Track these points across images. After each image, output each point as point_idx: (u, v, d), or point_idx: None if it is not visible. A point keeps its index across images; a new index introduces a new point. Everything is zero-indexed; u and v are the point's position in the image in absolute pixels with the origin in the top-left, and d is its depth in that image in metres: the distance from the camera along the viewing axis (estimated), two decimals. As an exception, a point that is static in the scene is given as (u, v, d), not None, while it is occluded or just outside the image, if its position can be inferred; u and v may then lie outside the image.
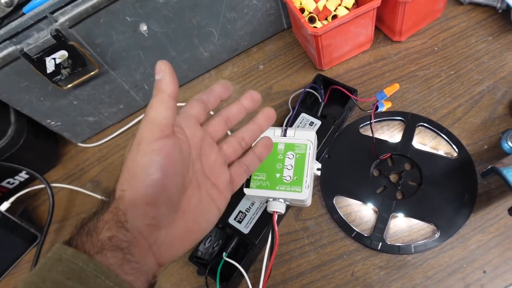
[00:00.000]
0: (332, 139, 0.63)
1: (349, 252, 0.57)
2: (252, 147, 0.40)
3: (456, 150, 0.59)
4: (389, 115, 0.63)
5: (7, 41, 0.54)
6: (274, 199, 0.52)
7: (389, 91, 0.55)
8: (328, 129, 0.61)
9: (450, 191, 0.56)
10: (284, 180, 0.51)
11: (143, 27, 0.61)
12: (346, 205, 0.60)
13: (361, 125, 0.64)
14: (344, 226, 0.58)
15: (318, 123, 0.62)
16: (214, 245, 0.59)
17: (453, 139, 0.60)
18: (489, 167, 0.50)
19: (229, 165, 0.38)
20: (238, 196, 0.59)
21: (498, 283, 0.51)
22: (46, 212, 0.65)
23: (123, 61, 0.65)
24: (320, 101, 0.65)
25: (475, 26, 0.68)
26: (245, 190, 0.52)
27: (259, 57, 0.76)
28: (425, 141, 0.61)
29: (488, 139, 0.59)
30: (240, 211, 0.58)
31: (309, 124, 0.62)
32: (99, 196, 0.70)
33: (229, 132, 0.40)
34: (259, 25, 0.72)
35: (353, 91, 0.63)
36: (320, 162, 0.54)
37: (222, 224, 0.58)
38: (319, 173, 0.53)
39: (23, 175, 0.71)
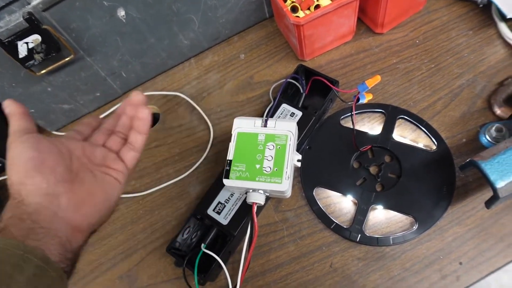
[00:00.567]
0: (313, 130, 0.63)
1: (328, 244, 0.57)
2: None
3: (435, 143, 0.60)
4: (370, 107, 0.63)
5: (-24, 23, 0.51)
6: (254, 190, 0.51)
7: (371, 83, 0.55)
8: (309, 120, 0.61)
9: (429, 184, 0.57)
10: (264, 171, 0.51)
11: (121, 12, 0.59)
12: (325, 196, 0.60)
13: (342, 117, 0.64)
14: (324, 217, 0.58)
15: (299, 114, 0.62)
16: (193, 236, 0.58)
17: (432, 132, 0.60)
18: (467, 160, 0.50)
19: (119, 151, 0.45)
20: (217, 187, 0.58)
21: (474, 274, 0.52)
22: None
23: (100, 47, 0.63)
24: (302, 91, 0.64)
25: (456, 20, 0.69)
26: (225, 181, 0.51)
27: (240, 46, 0.75)
28: (405, 134, 0.61)
29: (467, 132, 0.60)
30: (219, 202, 0.57)
31: (290, 115, 0.62)
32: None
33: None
34: (241, 13, 0.71)
35: (334, 82, 0.62)
36: (300, 154, 0.54)
37: (201, 215, 0.57)
38: (299, 164, 0.53)
39: (-6, 164, 0.68)
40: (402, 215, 0.56)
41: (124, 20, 0.60)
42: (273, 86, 0.69)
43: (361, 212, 0.57)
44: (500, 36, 0.65)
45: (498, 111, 0.59)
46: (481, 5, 0.67)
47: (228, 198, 0.57)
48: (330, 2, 0.64)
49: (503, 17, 0.64)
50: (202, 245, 0.54)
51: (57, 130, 0.73)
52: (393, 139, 0.60)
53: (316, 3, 0.65)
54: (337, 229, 0.57)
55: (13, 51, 0.54)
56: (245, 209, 0.56)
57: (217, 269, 0.55)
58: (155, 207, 0.64)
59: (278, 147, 0.51)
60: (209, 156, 0.66)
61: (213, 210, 0.57)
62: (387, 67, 0.67)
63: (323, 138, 0.63)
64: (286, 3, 0.65)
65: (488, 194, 0.49)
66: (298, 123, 0.56)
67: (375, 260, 0.55)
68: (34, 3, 0.52)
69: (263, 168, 0.51)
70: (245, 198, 0.53)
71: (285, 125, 0.52)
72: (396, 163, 0.59)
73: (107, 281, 0.60)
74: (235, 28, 0.74)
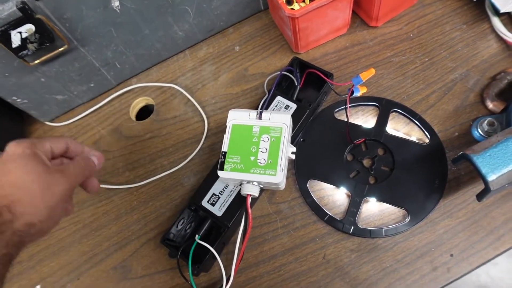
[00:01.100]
0: (307, 123, 0.63)
1: (322, 235, 0.57)
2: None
3: (428, 136, 0.60)
4: (364, 100, 0.64)
5: (-31, 12, 0.51)
6: (248, 182, 0.52)
7: (365, 76, 0.55)
8: (303, 113, 0.61)
9: (421, 177, 0.57)
10: (259, 163, 0.51)
11: (115, 3, 0.59)
12: (319, 189, 0.60)
13: (336, 110, 0.64)
14: (317, 209, 0.58)
15: (293, 106, 0.62)
16: (187, 228, 0.58)
17: (425, 125, 0.61)
18: (459, 153, 0.51)
19: None
20: (211, 178, 0.58)
21: (464, 266, 0.53)
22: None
23: (94, 37, 0.62)
24: (296, 84, 0.64)
25: (450, 14, 0.69)
26: (219, 173, 0.52)
27: (235, 38, 0.75)
28: (398, 127, 0.62)
29: (459, 126, 0.60)
30: (213, 194, 0.57)
31: (285, 108, 0.62)
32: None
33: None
34: (236, 5, 0.71)
35: (329, 75, 0.62)
36: (294, 146, 0.54)
37: (195, 206, 0.57)
38: (293, 156, 0.53)
39: (-14, 154, 0.68)
40: (394, 207, 0.57)
41: (118, 11, 0.60)
42: (268, 78, 0.69)
43: (354, 204, 0.57)
44: (493, 30, 0.66)
45: (490, 105, 0.60)
46: None
47: (223, 189, 0.57)
48: (326, -6, 0.64)
49: (496, 12, 0.64)
50: (196, 236, 0.54)
51: (50, 121, 0.73)
52: (387, 132, 0.61)
53: (311, -5, 0.65)
54: (331, 221, 0.57)
55: (6, 40, 0.53)
56: (239, 200, 0.56)
57: (211, 260, 0.56)
58: (149, 198, 0.64)
59: (272, 139, 0.51)
60: (204, 148, 0.66)
61: (208, 201, 0.57)
62: (381, 60, 0.67)
63: (317, 130, 0.63)
64: (281, -5, 0.64)
65: (479, 187, 0.50)
66: (293, 116, 0.57)
67: (367, 251, 0.55)
68: (27, -8, 0.51)
69: (258, 160, 0.51)
70: (240, 190, 0.53)
71: (280, 117, 0.53)
72: (389, 156, 0.60)
73: (100, 272, 0.60)
74: (230, 20, 0.74)
